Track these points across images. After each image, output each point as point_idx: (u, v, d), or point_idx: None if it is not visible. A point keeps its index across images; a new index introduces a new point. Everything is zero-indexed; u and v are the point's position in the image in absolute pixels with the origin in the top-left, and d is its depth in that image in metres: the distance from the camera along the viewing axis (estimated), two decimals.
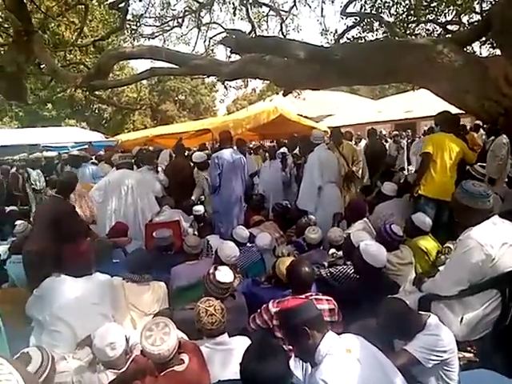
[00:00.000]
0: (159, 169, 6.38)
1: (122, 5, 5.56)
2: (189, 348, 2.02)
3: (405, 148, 9.60)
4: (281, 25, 8.84)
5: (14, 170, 8.13)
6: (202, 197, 6.08)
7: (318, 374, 1.67)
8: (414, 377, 2.04)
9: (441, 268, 2.80)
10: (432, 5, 7.32)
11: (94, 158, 8.60)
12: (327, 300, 2.59)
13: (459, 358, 2.15)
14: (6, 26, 6.07)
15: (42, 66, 7.26)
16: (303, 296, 2.52)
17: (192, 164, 6.46)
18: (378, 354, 1.86)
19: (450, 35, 7.29)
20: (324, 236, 4.59)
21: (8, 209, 6.26)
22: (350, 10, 7.51)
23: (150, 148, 8.56)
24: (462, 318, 2.24)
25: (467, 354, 2.60)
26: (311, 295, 2.58)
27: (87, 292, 2.73)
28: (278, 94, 10.52)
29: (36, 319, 2.75)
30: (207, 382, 1.99)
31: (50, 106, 19.19)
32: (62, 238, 3.23)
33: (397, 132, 9.80)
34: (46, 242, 3.24)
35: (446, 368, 2.02)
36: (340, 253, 3.60)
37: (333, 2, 8.28)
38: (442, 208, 4.11)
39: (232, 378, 1.91)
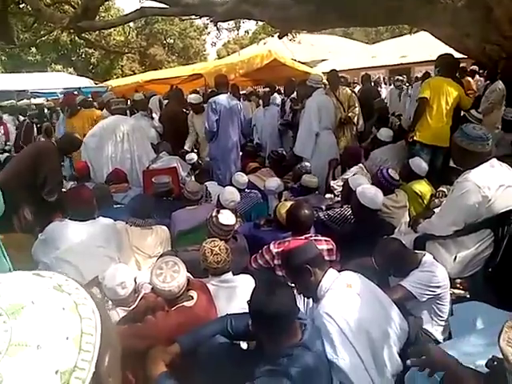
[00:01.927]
0: (153, 115, 6.27)
1: None
2: (197, 285, 2.12)
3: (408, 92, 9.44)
4: None
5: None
6: (196, 144, 6.03)
7: (321, 308, 1.78)
8: (408, 310, 2.18)
9: (435, 210, 2.90)
10: None
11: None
12: (326, 241, 2.69)
13: (450, 294, 2.29)
14: None
15: (22, 6, 6.86)
16: (303, 237, 2.61)
17: (185, 110, 6.36)
18: (376, 289, 1.98)
19: None
20: (321, 182, 4.68)
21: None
22: None
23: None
24: (455, 257, 2.36)
25: (456, 291, 2.76)
26: (311, 236, 2.67)
27: (92, 235, 2.78)
28: (272, 36, 10.12)
29: (42, 262, 2.81)
30: (214, 316, 2.11)
31: (34, 50, 18.30)
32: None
33: (399, 77, 9.56)
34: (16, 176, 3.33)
35: (438, 302, 2.16)
36: (337, 198, 3.69)
37: None
38: (437, 153, 4.16)
39: (237, 312, 2.03)
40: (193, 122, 5.86)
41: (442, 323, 2.20)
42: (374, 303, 1.87)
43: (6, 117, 7.84)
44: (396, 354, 1.81)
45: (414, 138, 4.22)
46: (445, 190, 3.33)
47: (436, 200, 3.30)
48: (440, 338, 2.18)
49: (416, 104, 4.32)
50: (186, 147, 5.77)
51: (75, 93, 8.36)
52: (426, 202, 3.46)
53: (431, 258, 2.23)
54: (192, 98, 5.88)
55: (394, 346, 1.81)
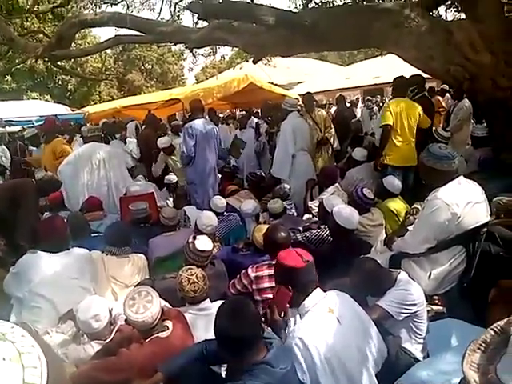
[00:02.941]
0: (128, 140, 6.26)
1: None
2: (172, 314, 2.09)
3: (377, 113, 9.73)
4: None
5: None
6: (174, 176, 6.01)
7: (296, 331, 1.78)
8: (387, 329, 2.18)
9: (410, 228, 2.95)
10: None
11: None
12: None
13: (428, 311, 2.31)
14: None
15: None
16: None
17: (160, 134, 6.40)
18: (357, 307, 1.98)
19: None
20: (298, 203, 4.72)
21: None
22: None
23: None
24: (430, 274, 2.39)
25: (435, 307, 2.79)
26: None
27: (65, 267, 2.72)
28: (247, 61, 10.33)
29: (15, 296, 2.73)
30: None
31: (9, 78, 18.13)
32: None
33: (369, 97, 9.86)
34: None
35: (415, 320, 2.17)
36: (315, 218, 3.71)
37: None
38: (408, 173, 4.25)
39: None
40: (167, 162, 5.89)
41: (421, 341, 2.20)
42: (354, 327, 1.86)
43: None
44: (374, 378, 1.80)
45: (384, 161, 4.28)
46: (419, 206, 3.39)
47: (411, 217, 3.35)
48: (420, 356, 2.18)
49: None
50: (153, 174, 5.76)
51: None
52: (401, 219, 3.52)
53: (406, 277, 2.25)
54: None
55: (372, 370, 1.80)
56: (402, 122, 4.17)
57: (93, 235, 3.60)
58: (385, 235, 3.34)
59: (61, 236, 2.84)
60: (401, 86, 4.51)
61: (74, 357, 2.18)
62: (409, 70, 4.88)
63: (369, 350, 1.85)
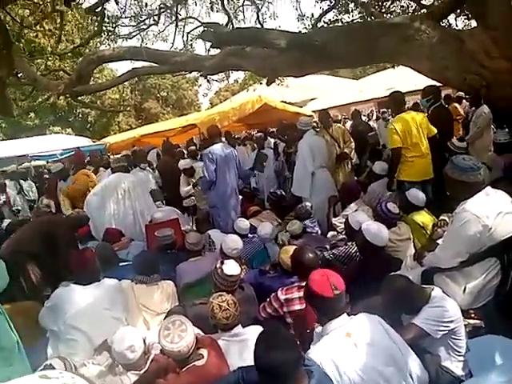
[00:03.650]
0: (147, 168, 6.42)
1: (99, 9, 5.49)
2: (206, 342, 2.09)
3: None
4: (257, 14, 8.78)
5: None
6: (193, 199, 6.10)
7: (310, 352, 1.80)
8: (425, 348, 2.13)
9: (438, 241, 2.89)
10: None
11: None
12: None
13: (465, 326, 2.25)
14: None
15: (20, 76, 7.17)
16: None
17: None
18: (389, 333, 1.92)
19: (424, 10, 7.33)
20: (321, 220, 4.69)
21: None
22: None
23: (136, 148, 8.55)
24: (464, 288, 2.33)
25: (472, 321, 2.71)
26: None
27: (98, 298, 2.77)
28: (261, 83, 10.49)
29: (50, 330, 2.79)
30: (227, 373, 2.06)
31: (32, 115, 18.90)
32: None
33: (385, 109, 9.82)
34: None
35: (453, 337, 2.11)
36: (340, 235, 3.69)
37: None
38: (426, 187, 4.15)
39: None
40: (188, 182, 6.01)
41: (461, 358, 2.14)
42: (375, 352, 1.80)
43: (7, 182, 7.97)
44: None
45: (400, 178, 4.23)
46: (446, 218, 3.34)
47: (439, 230, 3.29)
48: (461, 374, 2.12)
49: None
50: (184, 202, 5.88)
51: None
52: (428, 232, 3.46)
53: (440, 293, 2.20)
54: (183, 164, 6.06)
55: None
56: (412, 139, 4.10)
57: (121, 264, 3.67)
58: (413, 249, 3.30)
59: (92, 268, 2.91)
60: (398, 102, 4.47)
61: None
62: (422, 80, 4.87)
63: (397, 375, 1.79)
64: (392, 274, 2.45)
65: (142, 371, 2.20)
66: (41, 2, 6.28)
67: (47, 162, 9.76)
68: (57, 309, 2.75)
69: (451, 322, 2.09)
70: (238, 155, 5.29)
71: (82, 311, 2.70)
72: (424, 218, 3.53)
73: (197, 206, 5.79)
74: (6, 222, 6.30)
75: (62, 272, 3.29)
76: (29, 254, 3.45)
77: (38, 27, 6.66)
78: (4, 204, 7.35)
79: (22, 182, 8.19)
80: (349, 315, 1.93)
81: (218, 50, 5.79)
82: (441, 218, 3.41)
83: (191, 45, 9.83)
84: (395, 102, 4.48)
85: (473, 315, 2.70)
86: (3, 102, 3.76)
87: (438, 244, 2.75)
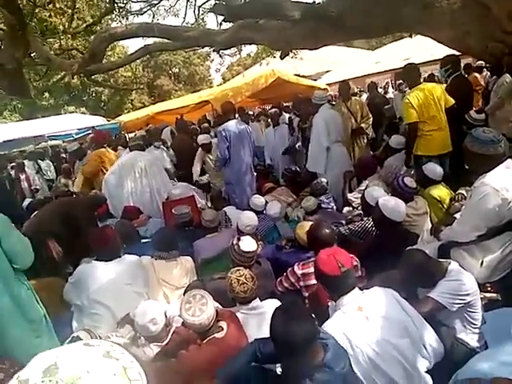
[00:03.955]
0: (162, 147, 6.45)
1: None
2: (226, 315, 2.15)
3: None
4: None
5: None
6: (206, 176, 6.10)
7: (323, 327, 1.84)
8: (441, 321, 2.15)
9: (456, 215, 2.87)
10: None
11: None
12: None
13: (481, 299, 2.25)
14: None
15: (33, 55, 7.19)
16: None
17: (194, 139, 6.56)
18: (403, 305, 1.94)
19: None
20: (336, 196, 4.68)
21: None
22: None
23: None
24: (482, 262, 2.33)
25: (488, 294, 2.71)
26: None
27: (119, 274, 2.85)
28: (274, 57, 10.30)
29: (75, 304, 2.90)
30: (245, 344, 2.12)
31: (47, 94, 19.06)
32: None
33: (401, 81, 9.56)
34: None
35: (469, 310, 2.12)
36: (356, 211, 3.68)
37: None
38: (444, 160, 4.09)
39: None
40: (205, 160, 5.99)
41: (477, 331, 2.16)
42: (388, 325, 1.83)
43: (26, 162, 8.12)
44: (420, 373, 1.79)
45: (418, 153, 4.15)
46: (464, 192, 3.30)
47: (456, 204, 3.27)
48: (476, 346, 2.14)
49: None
50: (194, 176, 5.91)
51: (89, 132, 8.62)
52: (446, 206, 3.43)
53: (457, 266, 2.20)
54: (202, 138, 6.04)
55: (417, 366, 1.79)
56: (428, 111, 3.99)
57: (143, 241, 3.76)
58: (430, 224, 3.28)
59: (113, 245, 2.98)
60: (413, 75, 4.32)
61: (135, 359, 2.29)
62: (441, 49, 4.71)
63: (411, 347, 1.82)
64: (409, 248, 2.46)
65: (164, 343, 2.29)
66: None
67: (63, 142, 9.89)
68: (80, 284, 2.85)
69: (467, 295, 2.09)
70: (252, 132, 5.28)
71: (105, 286, 2.78)
72: (441, 191, 3.49)
73: (210, 183, 5.81)
74: (27, 201, 6.48)
75: (83, 250, 3.39)
76: (50, 233, 3.56)
77: (50, 6, 6.62)
78: (23, 183, 7.51)
79: (40, 161, 8.35)
80: (361, 290, 1.96)
81: (231, 24, 5.69)
82: (458, 191, 3.37)
83: (203, 19, 9.69)
84: (409, 75, 4.35)
85: (489, 289, 2.69)
86: (20, 83, 3.80)
87: (455, 218, 2.73)
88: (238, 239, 2.76)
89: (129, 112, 19.49)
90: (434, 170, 3.56)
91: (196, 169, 5.96)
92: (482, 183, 2.24)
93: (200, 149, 6.02)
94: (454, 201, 3.33)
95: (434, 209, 3.47)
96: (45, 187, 7.88)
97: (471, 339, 2.15)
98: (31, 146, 9.16)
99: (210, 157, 5.96)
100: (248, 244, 2.71)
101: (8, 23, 3.22)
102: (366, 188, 3.78)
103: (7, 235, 2.32)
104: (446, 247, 2.51)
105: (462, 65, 5.95)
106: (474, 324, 2.16)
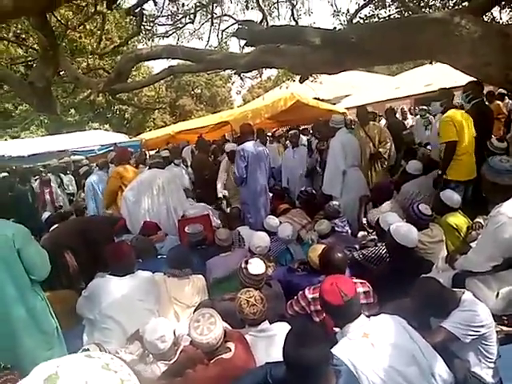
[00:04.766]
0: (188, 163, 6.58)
1: (138, 9, 5.66)
2: (234, 336, 2.15)
3: (432, 122, 9.35)
4: (291, 10, 8.77)
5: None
6: (226, 192, 6.13)
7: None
8: (454, 352, 2.09)
9: (472, 244, 2.82)
10: None
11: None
12: (361, 283, 2.66)
13: (497, 332, 2.19)
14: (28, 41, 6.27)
15: (62, 74, 7.50)
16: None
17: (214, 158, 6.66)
18: (411, 334, 1.90)
19: (466, 3, 7.06)
20: (351, 220, 4.66)
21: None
22: None
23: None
24: (497, 293, 2.28)
25: (505, 328, 2.62)
26: None
27: (132, 289, 2.88)
28: (294, 80, 10.45)
29: (87, 318, 2.93)
30: (253, 367, 2.10)
31: (73, 111, 19.75)
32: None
33: (424, 107, 9.53)
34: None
35: (484, 343, 2.07)
36: (370, 236, 3.65)
37: None
38: (468, 186, 4.06)
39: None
40: (229, 172, 6.04)
41: (492, 365, 2.09)
42: (394, 352, 1.80)
43: (51, 177, 8.35)
44: None
45: (448, 177, 4.09)
46: (481, 221, 3.25)
47: (473, 232, 3.21)
48: (491, 381, 2.07)
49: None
50: (218, 187, 5.94)
51: (111, 148, 8.83)
52: (463, 234, 3.37)
53: (471, 296, 2.15)
54: (229, 146, 6.10)
55: None
56: (463, 136, 4.00)
57: (159, 257, 3.81)
58: (446, 252, 3.22)
59: (127, 260, 3.02)
60: (448, 98, 4.42)
61: (142, 376, 2.30)
62: (462, 76, 4.71)
63: (418, 375, 1.78)
64: (423, 276, 2.42)
65: (172, 361, 2.29)
66: (84, 4, 6.56)
67: (86, 158, 10.15)
68: (93, 298, 2.89)
69: (482, 326, 2.04)
70: (269, 154, 5.34)
71: (117, 301, 2.81)
72: (458, 219, 3.44)
73: (229, 201, 5.86)
74: (47, 214, 6.64)
75: (98, 265, 3.45)
76: (68, 247, 3.63)
77: (80, 28, 6.94)
78: (47, 196, 7.71)
79: (62, 175, 8.58)
80: (369, 317, 1.94)
81: (252, 48, 5.83)
82: (476, 220, 3.32)
83: (226, 42, 9.96)
84: (446, 100, 4.45)
85: (506, 321, 2.61)
86: (49, 100, 3.97)
87: (471, 247, 2.68)
88: (246, 262, 2.75)
89: (151, 130, 19.94)
90: (451, 197, 3.52)
91: (221, 179, 5.98)
92: (497, 212, 2.21)
93: (226, 158, 6.04)
94: (472, 229, 3.28)
95: (451, 237, 3.42)
96: (65, 201, 8.07)
97: (486, 374, 2.09)
98: (55, 160, 9.42)
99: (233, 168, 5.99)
100: (256, 267, 2.70)
101: (41, 45, 3.40)
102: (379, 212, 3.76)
103: (27, 247, 2.39)
104: (460, 277, 2.46)
105: (485, 92, 5.92)
106: (489, 358, 2.09)
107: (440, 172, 4.18)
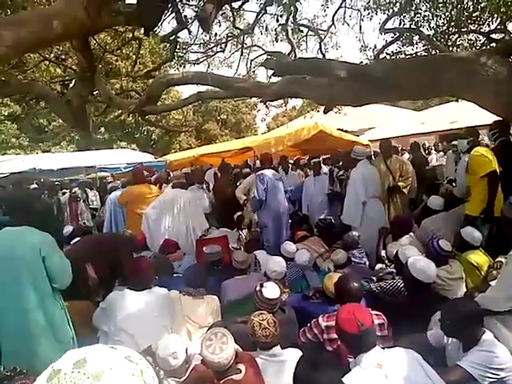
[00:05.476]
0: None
1: (173, 37, 5.96)
2: (245, 358, 2.15)
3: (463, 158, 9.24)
4: (320, 44, 9.01)
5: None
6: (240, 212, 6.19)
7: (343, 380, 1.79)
8: None
9: (492, 283, 2.76)
10: (474, 14, 7.19)
11: None
12: (377, 315, 2.63)
13: None
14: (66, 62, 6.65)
15: (96, 93, 7.85)
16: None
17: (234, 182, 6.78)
18: (425, 369, 1.87)
19: (494, 44, 7.12)
20: (369, 251, 4.62)
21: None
22: (388, 25, 7.52)
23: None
24: None
25: None
26: None
27: (148, 305, 2.94)
28: (318, 111, 10.60)
29: (102, 330, 2.99)
30: None
31: (103, 129, 20.52)
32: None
33: (455, 142, 9.48)
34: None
35: None
36: (388, 269, 3.62)
37: (371, 19, 8.34)
38: (494, 224, 3.98)
39: None
40: (251, 189, 6.13)
41: None
42: None
43: (78, 192, 8.61)
44: None
45: (473, 213, 3.98)
46: (502, 260, 3.18)
47: (494, 272, 3.14)
48: None
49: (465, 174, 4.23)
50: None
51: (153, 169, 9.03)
52: (483, 273, 3.31)
53: (491, 337, 2.11)
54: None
55: None
56: (496, 168, 3.96)
57: (175, 275, 3.87)
58: (465, 289, 3.16)
59: (146, 276, 3.09)
60: (474, 137, 4.48)
61: None
62: (487, 115, 4.73)
63: None
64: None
65: (182, 379, 2.30)
66: (122, 30, 6.95)
67: (111, 175, 10.47)
68: (110, 311, 2.95)
69: (501, 370, 1.99)
70: (289, 181, 5.44)
71: (132, 316, 2.87)
72: (479, 257, 3.38)
73: (250, 222, 5.94)
74: (69, 228, 6.80)
75: (116, 279, 3.53)
76: (88, 260, 3.73)
77: (117, 51, 7.32)
78: (73, 210, 7.93)
79: (88, 190, 8.84)
80: (383, 349, 1.92)
81: (279, 78, 6.01)
82: (497, 259, 3.26)
83: (254, 71, 10.25)
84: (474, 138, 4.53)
85: None
86: (83, 117, 4.19)
87: (489, 286, 2.63)
88: (262, 285, 2.77)
89: (176, 152, 20.40)
90: (472, 234, 3.47)
91: (243, 186, 6.11)
92: None
93: (253, 175, 6.09)
94: (492, 268, 3.21)
95: (471, 275, 3.35)
96: (89, 216, 8.28)
97: None
98: (82, 175, 9.75)
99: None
100: (271, 291, 2.72)
101: (80, 66, 3.63)
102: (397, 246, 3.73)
103: (52, 255, 2.49)
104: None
105: None
106: None
107: (487, 204, 3.94)
